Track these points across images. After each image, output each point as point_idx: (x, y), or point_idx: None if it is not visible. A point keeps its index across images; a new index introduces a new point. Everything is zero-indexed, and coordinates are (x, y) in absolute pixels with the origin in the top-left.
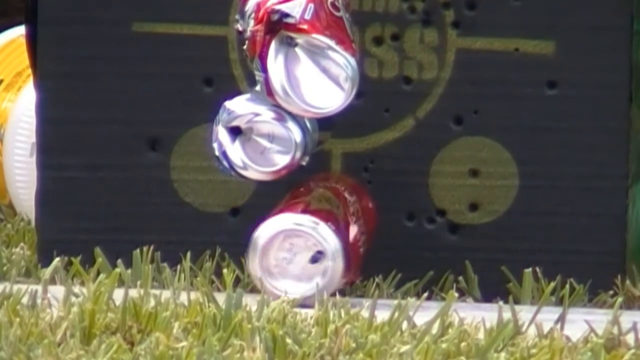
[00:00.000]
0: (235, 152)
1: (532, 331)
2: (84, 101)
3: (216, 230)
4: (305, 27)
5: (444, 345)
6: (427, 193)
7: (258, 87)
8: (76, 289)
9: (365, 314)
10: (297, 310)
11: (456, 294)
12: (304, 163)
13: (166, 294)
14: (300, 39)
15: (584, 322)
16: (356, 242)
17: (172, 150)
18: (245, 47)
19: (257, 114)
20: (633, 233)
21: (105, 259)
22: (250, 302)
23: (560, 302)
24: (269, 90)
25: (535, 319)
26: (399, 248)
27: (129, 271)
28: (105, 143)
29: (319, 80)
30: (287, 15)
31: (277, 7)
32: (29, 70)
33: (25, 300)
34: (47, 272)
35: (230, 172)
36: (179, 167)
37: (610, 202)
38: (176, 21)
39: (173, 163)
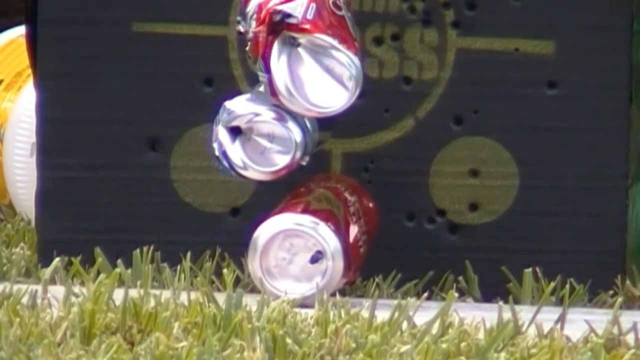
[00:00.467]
0: (235, 152)
1: (532, 331)
2: (84, 101)
3: (216, 230)
4: (307, 27)
5: (444, 345)
6: (427, 193)
7: (262, 88)
8: (76, 289)
9: (365, 314)
10: (297, 310)
11: (456, 294)
12: (304, 163)
13: (166, 294)
14: (303, 39)
15: (584, 322)
16: (356, 242)
17: (172, 150)
18: (247, 48)
19: (257, 114)
20: (633, 233)
21: (105, 259)
22: (250, 302)
23: (560, 302)
24: (273, 91)
25: (535, 319)
26: (399, 248)
27: (129, 271)
28: (105, 143)
29: (322, 80)
30: (289, 15)
31: (279, 7)
32: (29, 70)
33: (25, 300)
34: (47, 272)
35: (230, 172)
36: (179, 167)
37: (610, 202)
38: (176, 21)
39: (173, 163)
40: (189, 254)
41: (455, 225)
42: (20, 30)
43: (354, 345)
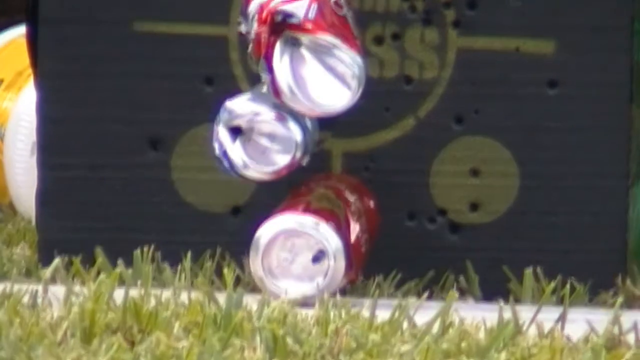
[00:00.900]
0: (235, 151)
1: (532, 331)
2: (85, 101)
3: (217, 230)
4: (309, 26)
5: (444, 345)
6: (428, 193)
7: (264, 89)
8: (77, 288)
9: (365, 313)
10: (297, 310)
11: (457, 294)
12: (304, 163)
13: (167, 293)
14: (305, 38)
15: (584, 322)
16: (358, 241)
17: (173, 150)
18: (249, 49)
19: (257, 114)
20: (634, 233)
21: (105, 259)
22: (251, 301)
23: (560, 301)
24: (276, 91)
25: (536, 318)
26: (400, 248)
27: (130, 271)
28: (105, 143)
29: (325, 79)
30: (290, 15)
31: (281, 7)
32: (30, 70)
33: (25, 299)
34: (47, 271)
35: (231, 172)
36: (180, 167)
37: (611, 201)
38: (177, 21)
39: (174, 163)
40: (189, 253)
41: (455, 224)
42: (21, 30)
43: (354, 345)
